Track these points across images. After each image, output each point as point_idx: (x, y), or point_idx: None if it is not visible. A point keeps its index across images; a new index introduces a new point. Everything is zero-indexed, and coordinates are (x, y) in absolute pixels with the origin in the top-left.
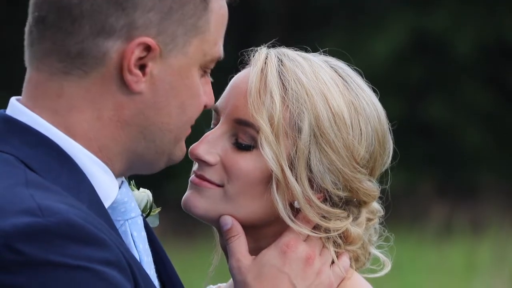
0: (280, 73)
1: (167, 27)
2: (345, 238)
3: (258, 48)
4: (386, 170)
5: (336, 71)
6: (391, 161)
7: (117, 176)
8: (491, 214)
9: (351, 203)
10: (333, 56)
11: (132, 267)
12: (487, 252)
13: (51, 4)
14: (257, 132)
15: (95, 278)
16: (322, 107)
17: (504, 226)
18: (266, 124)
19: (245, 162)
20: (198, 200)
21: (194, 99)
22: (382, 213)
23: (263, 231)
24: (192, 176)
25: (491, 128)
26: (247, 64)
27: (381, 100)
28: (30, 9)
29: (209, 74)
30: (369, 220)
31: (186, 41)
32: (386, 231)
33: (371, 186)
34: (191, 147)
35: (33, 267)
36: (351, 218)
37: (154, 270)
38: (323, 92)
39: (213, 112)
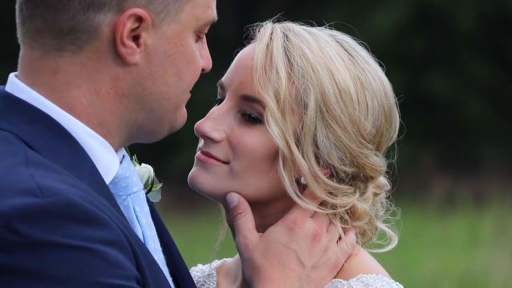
0: (286, 49)
1: None
2: (352, 214)
3: (263, 23)
4: (393, 144)
5: (342, 46)
6: (398, 135)
7: (118, 148)
8: (493, 187)
9: (358, 178)
10: (337, 30)
11: (134, 246)
12: (489, 225)
13: None
14: (263, 108)
15: (95, 258)
16: (328, 83)
17: (506, 199)
18: (272, 100)
19: (251, 139)
20: (204, 177)
21: (191, 65)
22: (389, 187)
23: (270, 208)
24: (198, 153)
25: (493, 101)
26: (252, 39)
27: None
28: None
29: (204, 38)
30: (375, 195)
31: (178, 8)
32: (393, 205)
33: (378, 161)
34: (196, 123)
35: (33, 247)
36: (357, 194)
37: (158, 243)
38: (329, 68)
39: (218, 87)
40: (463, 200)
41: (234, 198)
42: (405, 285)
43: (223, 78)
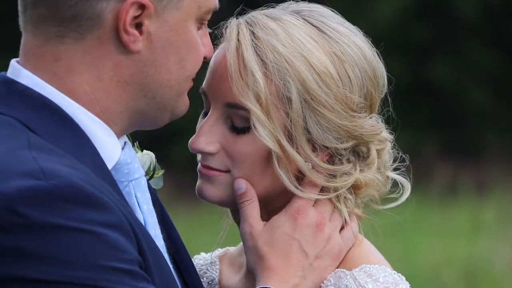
0: (256, 48)
1: None
2: (357, 188)
3: (228, 21)
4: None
5: (310, 23)
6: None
7: (119, 135)
8: (496, 175)
9: (359, 144)
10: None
11: (135, 230)
12: (492, 213)
13: None
14: (249, 112)
15: (97, 241)
16: (305, 71)
17: (509, 187)
18: (255, 105)
19: (245, 146)
20: (210, 189)
21: (193, 53)
22: (391, 137)
23: (276, 203)
24: (199, 166)
25: (496, 89)
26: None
27: (385, 61)
28: None
29: (206, 25)
30: (379, 152)
31: None
32: (400, 153)
33: (374, 126)
34: (190, 141)
35: (35, 229)
36: (358, 168)
37: (159, 230)
38: (303, 54)
39: (203, 96)
40: (465, 188)
41: (242, 184)
42: (407, 272)
43: (204, 85)
